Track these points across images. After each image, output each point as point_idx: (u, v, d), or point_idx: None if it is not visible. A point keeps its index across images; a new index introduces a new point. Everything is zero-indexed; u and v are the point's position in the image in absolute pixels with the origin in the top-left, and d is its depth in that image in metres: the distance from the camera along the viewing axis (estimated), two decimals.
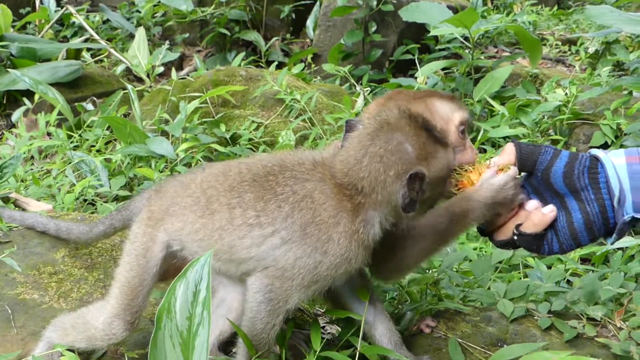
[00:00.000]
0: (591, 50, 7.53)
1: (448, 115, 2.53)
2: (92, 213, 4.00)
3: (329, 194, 2.32)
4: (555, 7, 11.43)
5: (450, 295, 3.06)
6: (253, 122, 4.61)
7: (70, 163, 4.48)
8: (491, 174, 2.33)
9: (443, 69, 6.58)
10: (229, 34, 7.91)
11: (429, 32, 6.80)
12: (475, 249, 3.58)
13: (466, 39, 6.49)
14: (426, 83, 6.20)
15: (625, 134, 4.60)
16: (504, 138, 4.95)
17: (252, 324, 2.36)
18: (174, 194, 2.54)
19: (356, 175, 2.28)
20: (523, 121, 4.90)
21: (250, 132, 4.53)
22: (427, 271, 3.20)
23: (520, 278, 3.23)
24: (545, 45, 8.60)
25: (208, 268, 2.18)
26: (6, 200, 3.69)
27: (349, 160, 2.31)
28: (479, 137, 5.06)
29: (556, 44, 8.70)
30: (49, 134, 5.14)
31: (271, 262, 2.33)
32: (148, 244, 2.51)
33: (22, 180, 4.29)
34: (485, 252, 3.56)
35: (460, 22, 5.80)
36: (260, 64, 7.61)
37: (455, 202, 2.38)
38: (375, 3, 7.22)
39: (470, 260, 3.39)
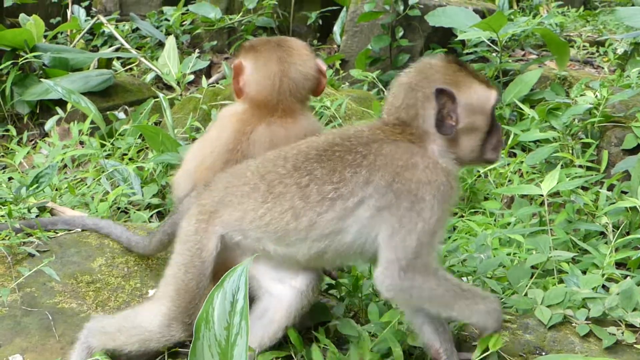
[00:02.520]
0: (620, 51, 7.47)
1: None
2: (126, 221, 4.04)
3: (395, 144, 2.43)
4: (582, 8, 11.34)
5: None
6: None
7: (103, 171, 4.53)
8: None
9: None
10: None
11: (455, 35, 6.79)
12: (509, 254, 3.56)
13: (493, 42, 6.47)
14: None
15: None
16: (535, 142, 4.94)
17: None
18: (227, 184, 2.57)
19: (399, 111, 2.50)
20: (553, 124, 4.86)
21: None
22: (462, 279, 3.20)
23: (556, 284, 3.21)
24: (572, 47, 8.53)
25: (245, 277, 2.20)
26: (43, 209, 3.73)
27: (392, 105, 2.53)
28: (509, 142, 5.04)
29: (583, 46, 8.63)
30: (81, 143, 5.19)
31: (375, 242, 2.41)
32: (203, 241, 2.53)
33: (56, 189, 4.34)
34: (519, 257, 3.54)
35: (488, 26, 5.79)
36: None
37: None
38: (402, 8, 7.22)
39: (505, 267, 3.38)
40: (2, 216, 3.42)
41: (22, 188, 3.59)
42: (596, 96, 5.00)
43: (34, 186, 3.59)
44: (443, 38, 7.37)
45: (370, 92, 6.18)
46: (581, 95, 5.25)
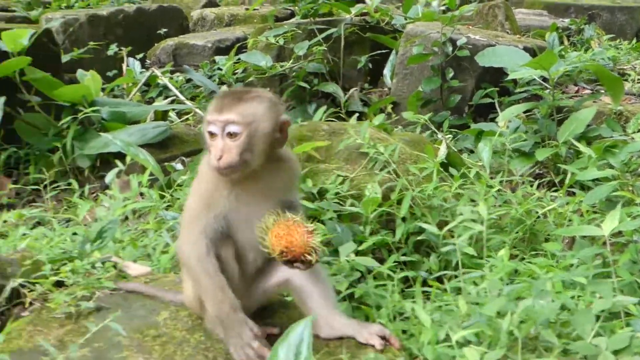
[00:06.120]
0: None
1: None
2: None
3: None
4: (634, 40, 11.25)
5: (549, 348, 3.01)
6: (339, 176, 4.65)
7: (163, 223, 4.60)
8: None
9: (524, 111, 6.54)
10: (308, 86, 8.03)
11: (507, 74, 6.79)
12: (572, 297, 3.51)
13: (545, 79, 6.45)
14: (507, 127, 6.16)
15: None
16: (593, 180, 4.88)
17: None
18: None
19: None
20: (611, 162, 4.81)
21: (337, 186, 4.56)
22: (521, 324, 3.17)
23: (623, 326, 3.16)
24: (627, 80, 8.46)
25: (309, 331, 2.24)
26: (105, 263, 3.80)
27: None
28: (566, 181, 5.00)
29: (638, 79, 8.55)
30: (141, 194, 5.28)
31: None
32: None
33: (119, 242, 4.41)
34: (583, 300, 3.48)
35: (539, 65, 5.79)
36: (340, 114, 7.69)
37: None
38: (450, 49, 7.26)
39: (569, 310, 3.33)
40: (67, 272, 3.49)
41: (86, 243, 3.67)
42: None
43: (98, 241, 3.67)
44: (494, 76, 7.38)
45: (423, 135, 6.19)
46: (638, 131, 5.20)
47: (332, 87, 8.05)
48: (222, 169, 2.83)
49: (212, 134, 2.87)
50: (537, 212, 4.64)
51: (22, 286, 3.33)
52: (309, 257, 2.80)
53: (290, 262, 2.84)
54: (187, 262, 3.00)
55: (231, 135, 2.83)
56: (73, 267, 3.43)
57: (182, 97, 7.63)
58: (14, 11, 12.23)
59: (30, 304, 3.30)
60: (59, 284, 3.42)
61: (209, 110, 2.91)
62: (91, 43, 9.37)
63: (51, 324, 3.16)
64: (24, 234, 4.63)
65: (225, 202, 2.95)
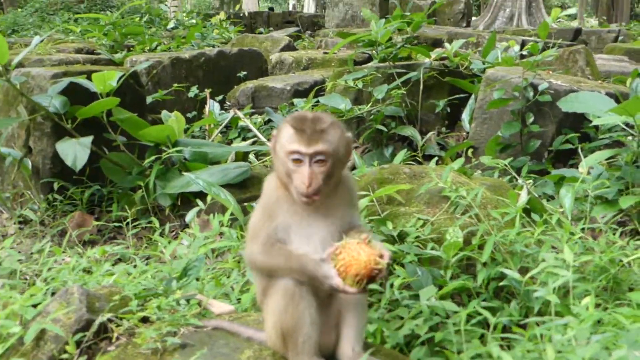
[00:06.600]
0: None
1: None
2: None
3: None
4: None
5: None
6: (419, 219, 4.64)
7: (242, 262, 4.65)
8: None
9: (606, 158, 6.42)
10: (385, 130, 8.07)
11: (588, 120, 6.70)
12: None
13: (629, 125, 6.34)
14: (589, 173, 6.05)
15: None
16: None
17: None
18: None
19: None
20: None
21: (417, 229, 4.56)
22: None
23: None
24: None
25: None
26: (188, 301, 3.85)
27: None
28: None
29: None
30: (220, 234, 5.36)
31: None
32: None
33: (197, 279, 4.47)
34: None
35: (625, 111, 5.69)
36: (417, 157, 7.69)
37: None
38: (531, 94, 7.21)
39: None
40: (153, 308, 3.56)
41: (172, 281, 3.74)
42: None
43: (184, 279, 3.74)
44: (575, 122, 7.29)
45: (502, 180, 6.13)
46: None
47: (409, 131, 8.06)
48: (311, 194, 2.91)
49: (296, 161, 2.95)
50: (621, 261, 4.53)
51: (110, 321, 3.41)
52: (379, 266, 2.78)
53: (370, 282, 2.84)
54: (253, 264, 3.13)
55: (318, 162, 2.94)
56: (159, 303, 3.49)
57: (263, 139, 7.75)
58: (99, 54, 12.66)
59: (117, 338, 3.36)
60: (144, 320, 3.48)
61: (291, 140, 2.97)
62: (175, 85, 9.62)
63: (137, 359, 3.22)
64: (107, 270, 4.75)
65: (285, 215, 3.03)
